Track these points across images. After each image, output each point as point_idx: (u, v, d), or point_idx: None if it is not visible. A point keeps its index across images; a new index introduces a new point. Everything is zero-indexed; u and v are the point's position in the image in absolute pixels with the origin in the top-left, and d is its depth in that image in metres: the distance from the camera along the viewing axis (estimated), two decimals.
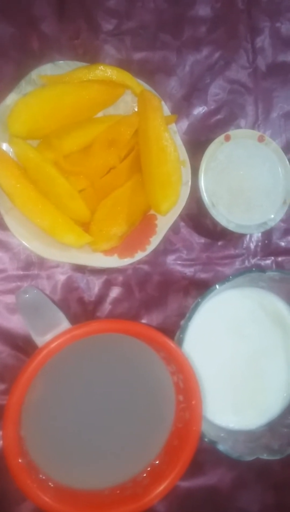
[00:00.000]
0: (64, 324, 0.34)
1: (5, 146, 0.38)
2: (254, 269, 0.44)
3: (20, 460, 0.31)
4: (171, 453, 0.35)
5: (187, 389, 0.35)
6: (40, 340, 0.33)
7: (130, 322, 0.35)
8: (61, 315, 0.34)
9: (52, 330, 0.33)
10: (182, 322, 0.38)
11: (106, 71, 0.39)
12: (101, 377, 0.35)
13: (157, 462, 0.35)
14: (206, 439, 0.36)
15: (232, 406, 0.41)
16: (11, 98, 0.38)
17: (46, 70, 0.39)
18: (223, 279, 0.38)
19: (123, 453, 0.35)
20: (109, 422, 0.35)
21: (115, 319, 0.42)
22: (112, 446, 0.35)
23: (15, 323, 0.40)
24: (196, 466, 0.39)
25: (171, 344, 0.34)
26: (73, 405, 0.34)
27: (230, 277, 0.38)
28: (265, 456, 0.37)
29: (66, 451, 0.34)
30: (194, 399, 0.34)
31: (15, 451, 0.31)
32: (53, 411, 0.34)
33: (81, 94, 0.39)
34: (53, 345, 0.32)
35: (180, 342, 0.36)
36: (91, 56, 0.43)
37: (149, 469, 0.35)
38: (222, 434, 0.39)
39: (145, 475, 0.35)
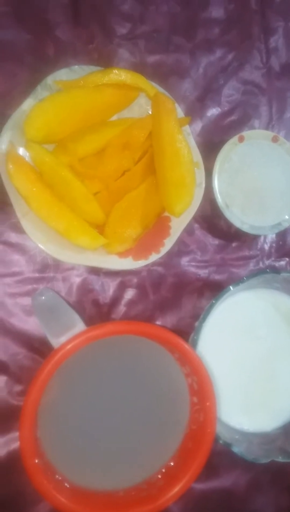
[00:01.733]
0: (79, 325, 0.34)
1: (21, 151, 0.39)
2: (268, 270, 0.44)
3: (36, 461, 0.31)
4: (186, 455, 0.35)
5: (201, 390, 0.35)
6: (55, 341, 0.33)
7: (144, 324, 0.35)
8: (76, 317, 0.34)
9: (67, 332, 0.33)
10: (196, 324, 0.38)
11: (120, 75, 0.40)
12: (116, 378, 0.35)
13: (172, 463, 0.35)
14: (221, 441, 0.36)
15: (246, 408, 0.40)
16: (28, 103, 0.38)
17: (61, 75, 0.39)
18: (237, 280, 0.38)
19: (138, 454, 0.35)
20: (124, 423, 0.35)
21: (130, 320, 0.42)
22: (127, 448, 0.35)
23: (31, 325, 0.41)
24: (211, 468, 0.39)
25: (185, 345, 0.34)
26: (88, 406, 0.35)
27: (244, 278, 0.37)
28: (280, 459, 0.37)
29: (81, 452, 0.34)
30: (209, 400, 0.34)
31: (32, 452, 0.31)
32: (69, 412, 0.34)
33: (96, 98, 0.39)
34: (68, 347, 0.32)
35: (194, 344, 0.36)
36: (105, 60, 0.43)
37: (163, 470, 0.35)
38: (236, 436, 0.39)
39: (160, 476, 0.35)
